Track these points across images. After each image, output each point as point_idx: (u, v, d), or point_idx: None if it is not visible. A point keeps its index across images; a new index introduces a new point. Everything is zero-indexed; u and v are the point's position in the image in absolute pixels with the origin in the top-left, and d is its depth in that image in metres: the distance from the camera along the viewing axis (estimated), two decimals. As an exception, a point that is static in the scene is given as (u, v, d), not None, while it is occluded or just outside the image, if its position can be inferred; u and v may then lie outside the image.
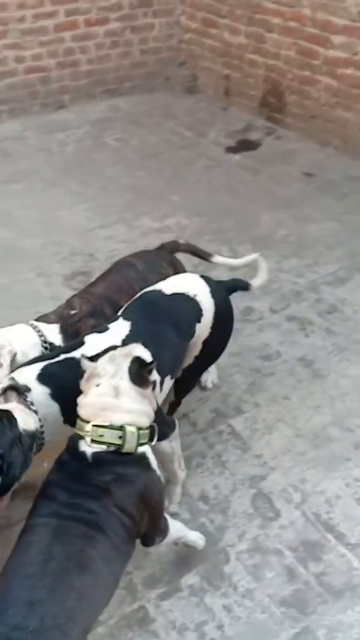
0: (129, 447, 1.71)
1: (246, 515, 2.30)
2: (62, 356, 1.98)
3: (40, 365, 1.96)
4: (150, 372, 1.78)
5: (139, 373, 1.76)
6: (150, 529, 1.82)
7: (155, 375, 1.82)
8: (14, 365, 2.02)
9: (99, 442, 1.70)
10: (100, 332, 2.06)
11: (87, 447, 1.70)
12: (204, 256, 2.83)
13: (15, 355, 2.02)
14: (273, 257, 3.68)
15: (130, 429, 1.71)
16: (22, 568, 1.54)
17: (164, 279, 2.34)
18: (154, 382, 1.83)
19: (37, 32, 5.27)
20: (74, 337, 2.17)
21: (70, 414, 1.87)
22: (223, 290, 2.38)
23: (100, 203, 4.27)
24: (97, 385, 1.75)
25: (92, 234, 3.94)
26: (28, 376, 1.92)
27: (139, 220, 4.08)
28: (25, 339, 2.10)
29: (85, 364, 1.80)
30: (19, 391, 1.87)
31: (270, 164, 4.73)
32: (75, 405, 1.81)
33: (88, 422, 1.72)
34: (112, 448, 1.70)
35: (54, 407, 1.92)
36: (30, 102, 5.48)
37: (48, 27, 5.31)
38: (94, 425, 1.70)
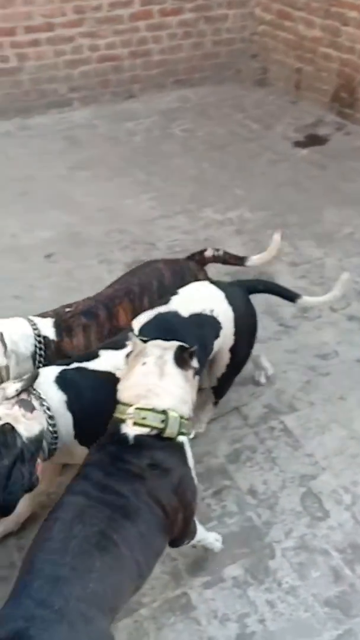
0: (170, 432, 1.72)
1: (294, 513, 2.29)
2: (75, 364, 2.03)
3: (59, 369, 2.00)
4: (191, 355, 1.83)
5: (181, 356, 1.81)
6: (184, 530, 1.84)
7: (195, 363, 1.87)
8: (10, 352, 2.09)
9: (141, 424, 1.72)
10: (116, 348, 2.06)
11: (129, 430, 1.73)
12: (237, 262, 2.79)
13: (2, 335, 2.08)
14: (336, 254, 3.62)
15: (173, 414, 1.73)
16: (46, 543, 1.56)
17: None
18: (195, 369, 1.87)
19: (112, 21, 5.33)
20: (66, 330, 2.25)
21: (80, 425, 1.93)
22: (239, 291, 2.39)
23: (165, 193, 4.30)
24: (144, 363, 1.80)
25: (155, 224, 3.98)
26: (46, 377, 1.95)
27: (202, 212, 4.08)
28: (18, 330, 2.17)
29: (135, 341, 1.86)
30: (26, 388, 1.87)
31: (338, 160, 4.64)
32: (85, 419, 1.88)
33: (130, 405, 1.75)
34: (154, 432, 1.72)
35: (67, 415, 1.94)
36: (101, 91, 5.56)
37: (123, 16, 5.35)
38: (136, 408, 1.73)
